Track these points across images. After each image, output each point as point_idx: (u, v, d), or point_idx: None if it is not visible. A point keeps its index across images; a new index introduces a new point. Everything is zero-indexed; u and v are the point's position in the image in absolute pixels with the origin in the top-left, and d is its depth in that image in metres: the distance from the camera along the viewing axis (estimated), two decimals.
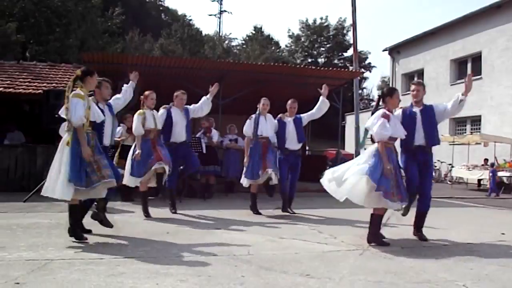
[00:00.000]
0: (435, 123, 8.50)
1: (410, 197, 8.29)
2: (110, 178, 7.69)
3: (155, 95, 10.58)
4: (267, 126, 11.27)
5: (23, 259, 6.28)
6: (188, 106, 11.19)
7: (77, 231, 7.66)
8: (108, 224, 8.27)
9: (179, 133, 10.93)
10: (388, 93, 8.47)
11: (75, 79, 7.73)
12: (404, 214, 8.53)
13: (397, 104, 8.48)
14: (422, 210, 8.57)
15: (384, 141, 7.95)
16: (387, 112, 8.15)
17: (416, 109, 8.53)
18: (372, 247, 7.78)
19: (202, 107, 11.21)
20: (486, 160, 25.43)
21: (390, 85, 39.36)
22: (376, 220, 8.16)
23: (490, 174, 22.97)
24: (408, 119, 8.49)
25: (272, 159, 11.04)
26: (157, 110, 10.81)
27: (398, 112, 8.66)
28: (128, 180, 10.34)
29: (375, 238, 8.09)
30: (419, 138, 8.39)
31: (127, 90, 9.34)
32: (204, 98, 11.21)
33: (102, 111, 8.22)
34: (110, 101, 8.72)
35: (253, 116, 11.36)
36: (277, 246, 7.78)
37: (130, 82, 9.56)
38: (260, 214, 11.27)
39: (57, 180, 7.32)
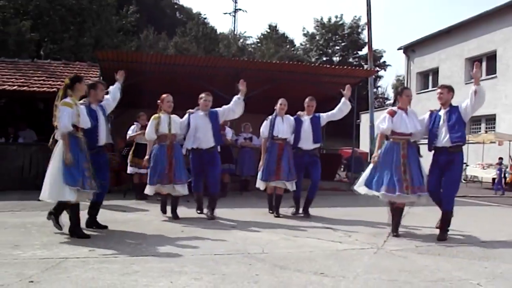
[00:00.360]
0: (461, 123, 8.64)
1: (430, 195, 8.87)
2: (94, 189, 8.00)
3: (172, 98, 10.22)
4: (284, 127, 10.84)
5: (38, 258, 6.31)
6: (217, 109, 10.56)
7: (78, 229, 7.86)
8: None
9: (202, 139, 10.29)
10: (398, 92, 9.36)
11: (65, 87, 7.94)
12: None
13: (407, 101, 9.01)
14: (442, 209, 8.73)
15: (384, 134, 8.91)
16: (394, 109, 8.95)
17: (442, 112, 8.84)
18: (386, 246, 7.77)
19: (234, 108, 10.48)
20: (500, 159, 25.36)
21: (405, 84, 39.55)
22: (390, 209, 8.98)
23: (497, 172, 23.16)
24: (433, 122, 8.86)
25: (286, 167, 10.60)
26: (176, 112, 10.42)
27: (426, 114, 9.12)
28: (147, 188, 10.17)
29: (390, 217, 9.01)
30: (443, 140, 8.62)
31: (114, 91, 9.35)
32: (235, 98, 10.48)
33: (95, 112, 8.48)
34: (103, 103, 8.92)
35: (270, 117, 10.98)
36: (291, 244, 7.77)
37: (116, 82, 9.52)
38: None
39: (54, 185, 7.55)
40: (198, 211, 10.89)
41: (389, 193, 8.43)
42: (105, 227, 8.59)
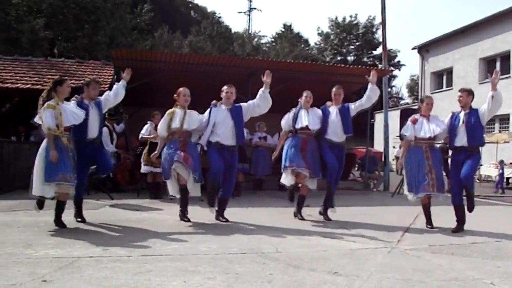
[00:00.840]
0: (479, 125, 9.23)
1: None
2: (74, 183, 8.38)
3: (189, 91, 9.63)
4: (309, 118, 10.08)
5: (51, 257, 6.31)
6: (241, 104, 9.82)
7: (59, 220, 8.58)
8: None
9: (222, 136, 9.47)
10: (421, 100, 10.34)
11: (49, 90, 8.47)
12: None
13: (427, 108, 9.80)
14: (464, 187, 9.34)
15: (410, 140, 9.74)
16: (415, 117, 9.84)
17: (462, 113, 9.42)
18: (400, 245, 7.76)
19: (259, 103, 9.68)
20: None
21: (419, 84, 39.85)
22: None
23: (500, 171, 23.26)
24: (453, 123, 9.48)
25: (310, 161, 9.94)
26: (194, 107, 9.75)
27: (448, 116, 9.70)
28: (169, 185, 9.55)
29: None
30: (461, 140, 9.24)
31: (118, 88, 9.42)
32: (259, 91, 9.69)
33: (86, 107, 8.85)
34: (101, 98, 9.22)
35: (294, 109, 10.34)
36: (305, 243, 7.75)
37: (121, 80, 9.49)
38: (300, 216, 10.42)
39: (36, 181, 8.30)
40: (211, 207, 9.71)
41: (409, 191, 9.66)
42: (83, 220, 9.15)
